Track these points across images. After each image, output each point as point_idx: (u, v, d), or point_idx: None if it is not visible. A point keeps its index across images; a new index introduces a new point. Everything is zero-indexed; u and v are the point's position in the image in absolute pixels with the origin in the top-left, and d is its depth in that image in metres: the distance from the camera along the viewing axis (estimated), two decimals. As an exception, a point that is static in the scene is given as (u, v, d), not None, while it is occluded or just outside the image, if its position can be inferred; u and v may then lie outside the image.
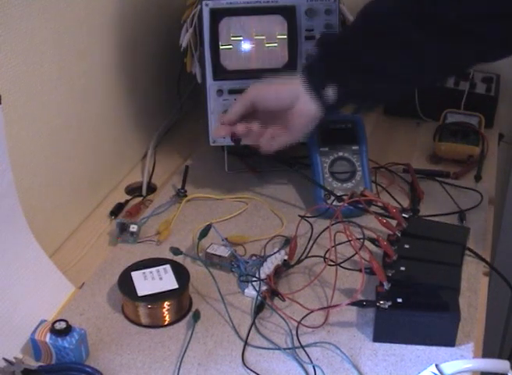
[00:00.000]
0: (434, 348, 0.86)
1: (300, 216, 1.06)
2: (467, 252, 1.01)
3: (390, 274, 0.91)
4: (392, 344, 0.87)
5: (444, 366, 0.77)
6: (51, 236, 1.02)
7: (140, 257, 0.99)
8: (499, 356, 1.78)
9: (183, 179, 1.17)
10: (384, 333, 0.87)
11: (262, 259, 0.98)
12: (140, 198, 1.16)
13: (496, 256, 1.62)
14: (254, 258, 1.00)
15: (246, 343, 0.86)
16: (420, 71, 0.96)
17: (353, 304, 0.89)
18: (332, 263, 0.94)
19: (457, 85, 1.40)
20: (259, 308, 0.91)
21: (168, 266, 0.93)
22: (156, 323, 0.90)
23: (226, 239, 1.01)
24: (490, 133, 1.36)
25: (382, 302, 0.86)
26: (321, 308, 0.91)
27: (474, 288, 0.96)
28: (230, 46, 1.17)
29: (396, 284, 0.89)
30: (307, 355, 0.84)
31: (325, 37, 1.08)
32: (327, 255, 0.95)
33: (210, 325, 0.90)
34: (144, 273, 0.92)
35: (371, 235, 0.97)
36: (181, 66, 1.18)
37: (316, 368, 0.83)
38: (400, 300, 0.86)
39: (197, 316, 0.90)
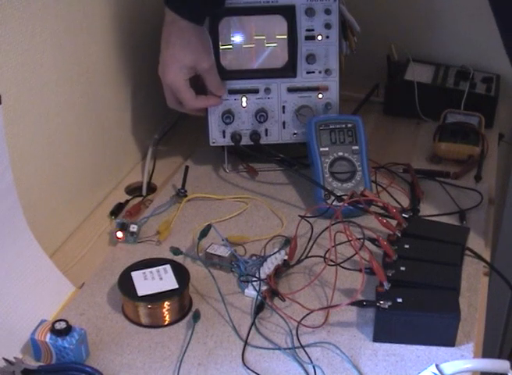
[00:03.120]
0: (434, 348, 0.86)
1: (300, 216, 1.06)
2: (467, 252, 1.01)
3: (390, 274, 0.91)
4: (392, 344, 0.87)
5: (444, 366, 0.77)
6: (51, 236, 1.02)
7: (140, 257, 0.99)
8: (499, 356, 1.78)
9: (183, 179, 1.17)
10: (384, 333, 0.87)
11: (262, 259, 0.98)
12: (140, 198, 1.16)
13: (495, 256, 1.62)
14: (254, 258, 1.00)
15: (246, 343, 0.86)
16: None
17: (353, 304, 0.89)
18: (332, 263, 0.94)
19: (457, 85, 1.40)
20: (259, 308, 0.91)
21: (168, 266, 0.93)
22: (156, 323, 0.90)
23: (226, 239, 1.01)
24: (490, 133, 1.36)
25: (382, 302, 0.86)
26: (321, 309, 0.91)
27: (474, 288, 0.96)
28: (230, 46, 1.17)
29: (396, 284, 0.89)
30: (307, 355, 0.84)
31: None
32: (327, 255, 0.95)
33: (210, 325, 0.90)
34: (144, 273, 0.92)
35: (371, 235, 0.97)
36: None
37: (316, 368, 0.83)
38: (399, 300, 0.86)
39: (197, 316, 0.90)
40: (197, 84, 1.13)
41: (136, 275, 0.92)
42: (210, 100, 1.16)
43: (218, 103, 1.17)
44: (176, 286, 0.90)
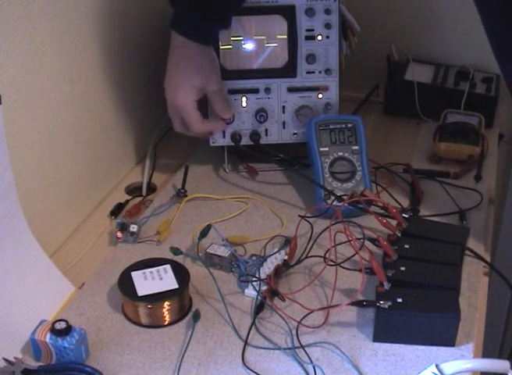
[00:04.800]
0: (434, 348, 0.86)
1: (300, 216, 1.06)
2: (467, 252, 1.01)
3: (390, 274, 0.91)
4: (392, 344, 0.87)
5: (444, 366, 0.77)
6: (51, 236, 1.02)
7: (140, 257, 0.99)
8: (499, 356, 1.78)
9: (183, 179, 1.17)
10: (384, 333, 0.87)
11: (262, 259, 0.98)
12: (140, 198, 1.16)
13: (496, 256, 1.62)
14: (254, 258, 1.00)
15: (246, 343, 0.86)
16: None
17: (353, 304, 0.89)
18: (332, 263, 0.94)
19: (457, 85, 1.40)
20: (259, 308, 0.91)
21: (168, 266, 0.93)
22: (156, 323, 0.90)
23: (226, 239, 1.01)
24: (490, 133, 1.36)
25: (382, 302, 0.86)
26: (321, 309, 0.91)
27: (474, 288, 0.96)
28: (230, 46, 1.17)
29: (396, 284, 0.89)
30: (307, 355, 0.84)
31: None
32: (327, 255, 0.95)
33: (210, 325, 0.90)
34: (144, 273, 0.92)
35: (371, 235, 0.97)
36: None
37: (316, 368, 0.83)
38: (399, 300, 0.86)
39: (197, 316, 0.90)
40: (201, 109, 1.13)
41: (136, 275, 0.92)
42: (216, 124, 1.17)
43: (223, 127, 1.18)
44: (176, 286, 0.90)
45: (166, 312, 0.89)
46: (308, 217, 1.06)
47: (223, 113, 1.16)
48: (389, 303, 0.86)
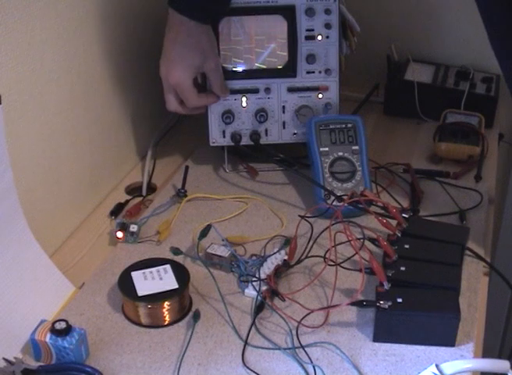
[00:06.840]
0: (434, 348, 0.86)
1: (300, 216, 1.06)
2: (467, 252, 1.01)
3: (390, 274, 0.91)
4: (392, 344, 0.87)
5: (444, 366, 0.77)
6: (51, 236, 1.02)
7: (140, 257, 0.99)
8: (499, 356, 1.78)
9: (183, 179, 1.17)
10: (384, 333, 0.87)
11: (262, 259, 0.98)
12: (140, 198, 1.16)
13: (495, 256, 1.62)
14: (254, 258, 1.00)
15: (246, 343, 0.86)
16: None
17: (353, 304, 0.89)
18: (332, 263, 0.94)
19: (457, 85, 1.40)
20: (259, 308, 0.91)
21: (168, 266, 0.93)
22: (156, 323, 0.90)
23: (226, 239, 1.01)
24: (490, 133, 1.36)
25: (382, 302, 0.86)
26: (321, 309, 0.91)
27: (474, 288, 0.96)
28: (230, 46, 1.17)
29: (396, 284, 0.89)
30: (307, 355, 0.84)
31: None
32: (327, 255, 0.95)
33: (210, 325, 0.90)
34: (144, 273, 0.92)
35: (371, 235, 0.97)
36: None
37: (316, 368, 0.83)
38: (400, 300, 0.86)
39: (197, 316, 0.90)
40: (196, 84, 1.13)
41: (136, 275, 0.92)
42: (210, 98, 1.16)
43: (217, 100, 1.18)
44: (176, 286, 0.90)
45: (166, 312, 0.89)
46: (308, 217, 1.06)
47: (220, 92, 1.16)
48: (389, 303, 0.86)
